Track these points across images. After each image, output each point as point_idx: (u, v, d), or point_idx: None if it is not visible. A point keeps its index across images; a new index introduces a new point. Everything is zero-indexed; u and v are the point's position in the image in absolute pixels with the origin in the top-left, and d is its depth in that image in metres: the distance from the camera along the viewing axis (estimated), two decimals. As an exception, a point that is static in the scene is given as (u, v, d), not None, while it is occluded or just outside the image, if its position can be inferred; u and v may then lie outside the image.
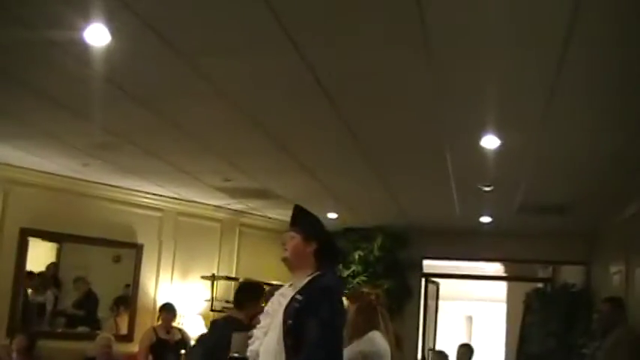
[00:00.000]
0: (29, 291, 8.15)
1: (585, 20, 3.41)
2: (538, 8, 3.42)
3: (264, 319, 3.58)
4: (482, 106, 4.82)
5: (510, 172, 6.51)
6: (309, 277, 3.54)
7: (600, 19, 3.48)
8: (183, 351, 8.05)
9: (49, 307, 8.38)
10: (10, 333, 7.33)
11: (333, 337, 3.43)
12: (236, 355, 3.80)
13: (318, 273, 3.56)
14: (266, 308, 3.70)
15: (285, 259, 3.63)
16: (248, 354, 3.56)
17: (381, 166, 6.71)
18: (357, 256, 9.94)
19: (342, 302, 3.83)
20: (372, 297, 4.98)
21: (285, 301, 3.47)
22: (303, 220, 3.73)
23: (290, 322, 3.36)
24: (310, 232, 3.65)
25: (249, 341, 3.57)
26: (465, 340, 11.69)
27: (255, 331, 3.59)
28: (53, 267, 8.46)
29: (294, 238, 3.62)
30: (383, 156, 6.38)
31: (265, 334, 3.47)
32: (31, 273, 8.09)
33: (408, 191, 7.82)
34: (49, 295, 8.37)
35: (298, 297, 3.42)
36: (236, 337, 3.77)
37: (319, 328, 3.31)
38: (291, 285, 3.61)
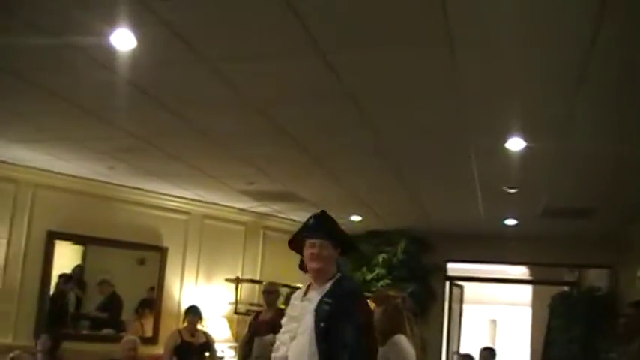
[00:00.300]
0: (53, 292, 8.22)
1: (611, 21, 3.39)
2: (564, 9, 3.40)
3: (288, 324, 3.60)
4: (508, 109, 4.80)
5: (535, 174, 6.48)
6: (332, 280, 3.59)
7: (626, 19, 3.46)
8: (207, 353, 8.08)
9: (72, 310, 8.42)
10: (37, 334, 7.39)
11: (371, 339, 3.54)
12: None
13: (339, 275, 3.63)
14: (288, 312, 3.71)
15: (319, 270, 3.61)
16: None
17: (405, 170, 6.70)
18: (380, 259, 9.91)
19: (368, 304, 3.90)
20: (399, 300, 4.95)
21: (311, 305, 3.50)
22: (332, 228, 3.75)
23: (322, 324, 3.40)
24: (338, 239, 3.70)
25: (275, 347, 3.57)
26: (488, 344, 11.62)
27: (279, 336, 3.59)
28: (79, 269, 8.52)
29: (328, 248, 3.63)
30: (407, 159, 6.36)
31: (292, 338, 3.48)
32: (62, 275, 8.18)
33: (432, 194, 7.80)
34: (73, 298, 8.42)
35: (327, 300, 3.46)
36: (257, 342, 3.78)
37: (356, 332, 3.39)
38: (307, 289, 3.65)
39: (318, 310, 3.44)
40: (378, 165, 6.54)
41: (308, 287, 3.69)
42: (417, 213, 8.74)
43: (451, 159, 6.24)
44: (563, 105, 4.62)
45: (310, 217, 3.76)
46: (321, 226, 3.73)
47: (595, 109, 4.72)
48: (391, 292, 5.67)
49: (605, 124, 5.05)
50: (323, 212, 3.81)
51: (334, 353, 3.38)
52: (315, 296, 3.55)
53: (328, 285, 3.57)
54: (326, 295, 3.50)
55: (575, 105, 4.57)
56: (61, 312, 8.26)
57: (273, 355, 3.57)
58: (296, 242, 3.79)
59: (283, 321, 3.69)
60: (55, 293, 8.12)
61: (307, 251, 3.64)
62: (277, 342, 3.57)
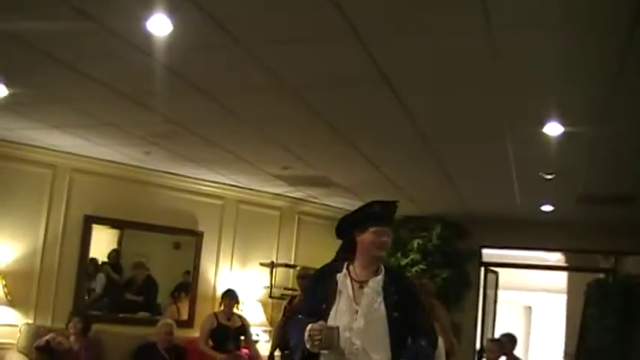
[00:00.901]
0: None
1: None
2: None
3: (342, 300, 3.54)
4: (545, 93, 4.74)
5: (573, 160, 6.40)
6: (383, 267, 3.66)
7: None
8: (242, 337, 8.14)
9: (102, 292, 8.52)
10: (81, 318, 7.48)
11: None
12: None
13: (382, 263, 3.70)
14: (340, 289, 3.59)
15: (381, 258, 3.68)
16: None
17: (441, 155, 6.66)
18: (415, 245, 9.88)
19: None
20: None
21: (373, 293, 3.53)
22: (393, 217, 3.79)
23: (396, 314, 3.48)
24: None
25: (327, 325, 3.45)
26: (522, 331, 11.51)
27: (334, 316, 3.51)
28: (115, 254, 8.62)
29: (390, 236, 3.68)
30: (443, 144, 6.32)
31: (355, 319, 3.48)
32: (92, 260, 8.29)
33: (468, 179, 7.73)
34: (105, 281, 8.51)
35: (392, 289, 3.55)
36: (325, 332, 3.58)
37: (424, 315, 3.69)
38: (348, 270, 3.63)
39: (388, 300, 3.51)
40: (413, 150, 6.51)
41: (348, 268, 3.65)
42: (452, 198, 8.69)
43: (488, 144, 6.18)
44: (601, 89, 4.55)
45: (375, 204, 3.70)
46: (391, 214, 3.75)
47: (634, 94, 4.64)
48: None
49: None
50: (395, 202, 3.79)
51: (411, 337, 3.48)
52: (372, 283, 3.56)
53: (381, 273, 3.61)
54: (388, 283, 3.57)
55: (614, 90, 4.49)
56: (94, 295, 8.38)
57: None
58: (350, 228, 3.73)
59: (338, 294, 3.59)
60: (88, 276, 8.24)
61: (377, 239, 3.60)
62: (332, 322, 3.47)
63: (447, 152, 6.59)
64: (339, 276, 3.62)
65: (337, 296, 3.56)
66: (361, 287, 3.55)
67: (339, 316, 3.50)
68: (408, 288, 3.72)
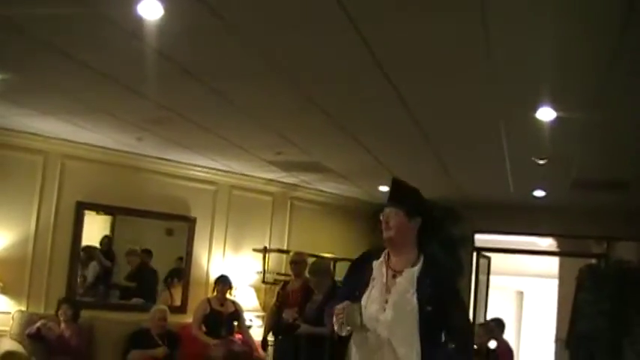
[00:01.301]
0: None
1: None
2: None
3: (377, 290, 3.41)
4: (538, 78, 4.72)
5: (566, 145, 6.40)
6: (422, 257, 3.45)
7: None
8: (236, 322, 8.15)
9: (94, 280, 8.50)
10: (70, 305, 7.48)
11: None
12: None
13: (429, 251, 3.49)
14: (374, 277, 3.48)
15: (390, 239, 3.47)
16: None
17: (434, 140, 6.65)
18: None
19: None
20: None
21: (405, 283, 3.36)
22: (404, 195, 3.60)
23: (429, 308, 3.28)
24: (413, 208, 3.53)
25: (356, 313, 3.33)
26: (513, 316, 11.55)
27: (364, 304, 3.39)
28: (107, 240, 8.59)
29: (398, 215, 3.48)
30: (437, 129, 6.31)
31: (383, 310, 3.33)
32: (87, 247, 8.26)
33: (462, 164, 7.75)
34: (101, 268, 8.50)
35: (428, 281, 3.34)
36: (347, 310, 3.47)
37: (461, 313, 3.38)
38: (386, 257, 3.48)
39: (421, 293, 3.31)
40: (408, 135, 6.49)
41: (387, 256, 3.51)
42: (446, 183, 8.69)
43: (481, 129, 6.19)
44: (595, 75, 4.54)
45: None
46: (393, 192, 3.62)
47: (628, 80, 4.63)
48: None
49: (637, 95, 4.95)
50: (394, 179, 3.66)
51: (445, 336, 3.33)
52: (406, 274, 3.38)
53: (419, 263, 3.42)
54: (425, 275, 3.37)
55: (608, 75, 4.48)
56: (87, 282, 8.36)
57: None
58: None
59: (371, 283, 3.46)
60: (79, 263, 8.22)
61: (383, 222, 3.51)
62: (362, 308, 3.34)
63: (441, 137, 6.59)
64: (376, 263, 3.50)
65: (370, 283, 3.45)
66: (394, 277, 3.41)
67: (369, 304, 3.38)
68: (447, 282, 3.48)
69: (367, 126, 6.37)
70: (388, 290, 3.38)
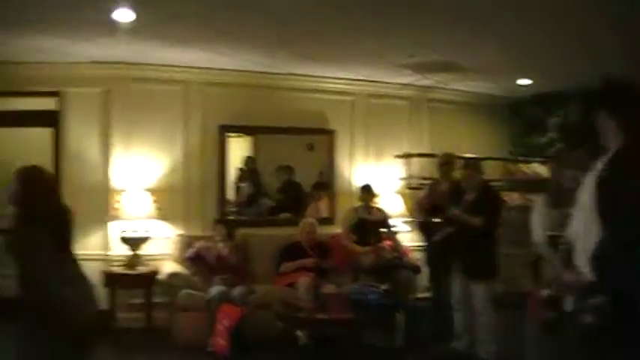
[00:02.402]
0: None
1: None
2: None
3: (585, 195, 3.14)
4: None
5: None
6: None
7: None
8: (384, 230, 8.20)
9: (253, 197, 8.78)
10: (225, 224, 7.79)
11: None
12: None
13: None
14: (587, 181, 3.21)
15: None
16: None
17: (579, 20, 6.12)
18: (552, 123, 9.47)
19: None
20: None
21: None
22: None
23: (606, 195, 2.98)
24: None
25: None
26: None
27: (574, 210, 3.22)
28: (250, 160, 8.82)
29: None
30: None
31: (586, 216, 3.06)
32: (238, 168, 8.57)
33: (612, 46, 7.09)
34: (251, 187, 8.75)
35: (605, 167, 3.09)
36: (553, 215, 3.28)
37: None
38: None
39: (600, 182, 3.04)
40: (548, 20, 6.08)
41: None
42: (593, 70, 8.06)
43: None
44: None
45: None
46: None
47: None
48: None
49: None
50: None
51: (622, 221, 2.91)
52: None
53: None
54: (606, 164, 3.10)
55: None
56: (237, 201, 8.66)
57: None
58: None
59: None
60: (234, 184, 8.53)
61: None
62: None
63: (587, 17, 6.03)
64: None
65: None
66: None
67: None
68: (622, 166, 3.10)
69: (504, 14, 5.92)
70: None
